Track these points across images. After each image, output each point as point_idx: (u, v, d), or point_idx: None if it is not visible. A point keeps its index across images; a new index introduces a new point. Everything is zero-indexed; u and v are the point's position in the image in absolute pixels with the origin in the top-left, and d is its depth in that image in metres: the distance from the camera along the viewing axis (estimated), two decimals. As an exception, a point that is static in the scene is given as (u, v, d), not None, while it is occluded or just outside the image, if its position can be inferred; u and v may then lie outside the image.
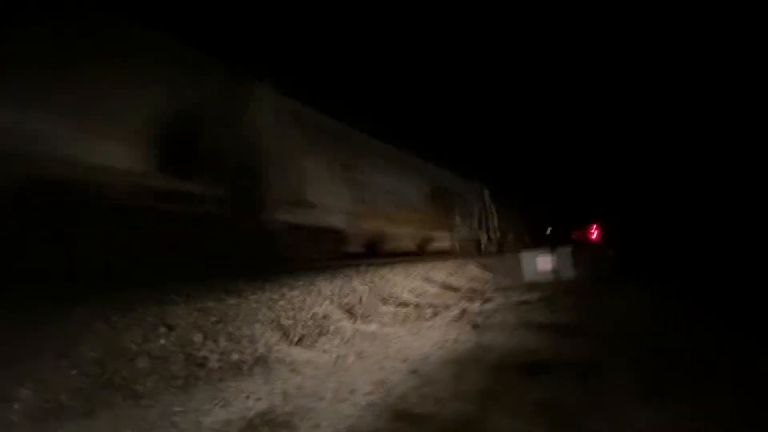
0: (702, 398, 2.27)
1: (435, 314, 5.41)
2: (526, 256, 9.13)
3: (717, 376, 2.66)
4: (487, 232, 15.53)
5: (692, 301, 5.07)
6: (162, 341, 3.54)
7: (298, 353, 3.87)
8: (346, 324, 4.91)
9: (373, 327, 4.76)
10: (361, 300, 6.00)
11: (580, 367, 2.93)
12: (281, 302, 5.05)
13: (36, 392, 2.66)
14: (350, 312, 5.36)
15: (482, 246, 14.36)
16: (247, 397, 2.86)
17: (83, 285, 3.83)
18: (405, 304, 6.16)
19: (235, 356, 3.68)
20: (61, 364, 2.92)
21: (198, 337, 3.77)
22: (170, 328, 3.75)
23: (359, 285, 6.60)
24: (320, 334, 4.48)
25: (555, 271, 8.70)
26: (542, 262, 8.90)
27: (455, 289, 8.03)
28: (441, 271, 9.23)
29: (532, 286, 7.91)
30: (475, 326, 4.41)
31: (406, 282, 7.63)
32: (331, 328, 4.74)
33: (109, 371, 3.03)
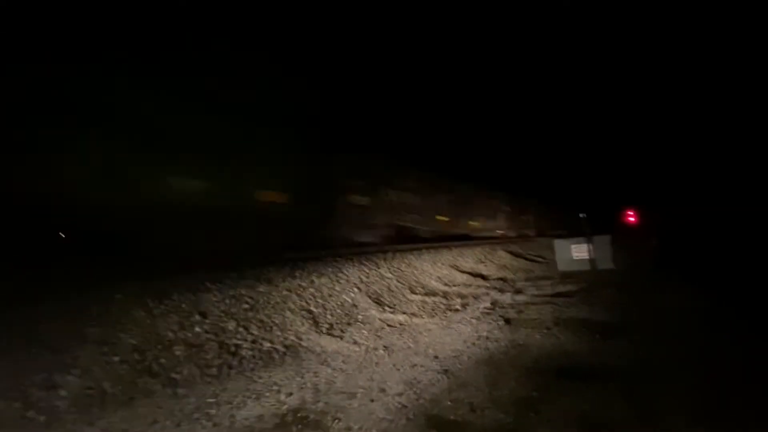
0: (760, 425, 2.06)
1: (464, 305, 5.28)
2: (559, 244, 8.75)
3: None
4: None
5: (745, 299, 4.67)
6: (197, 329, 3.62)
7: (327, 343, 3.87)
8: (374, 313, 4.88)
9: (401, 317, 4.70)
10: (389, 288, 5.95)
11: (624, 375, 2.75)
12: (310, 290, 5.07)
13: (81, 379, 2.77)
14: (378, 301, 5.33)
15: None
16: (279, 391, 2.87)
17: (121, 273, 3.97)
18: (433, 293, 6.07)
19: (266, 344, 3.72)
20: (103, 351, 3.03)
21: (231, 325, 3.83)
22: (204, 315, 3.84)
23: (386, 272, 6.55)
24: (349, 323, 4.47)
25: (591, 260, 8.30)
26: (577, 251, 8.50)
27: (485, 278, 7.85)
28: (469, 258, 9.05)
29: (567, 277, 7.60)
30: (508, 321, 4.26)
31: (433, 269, 7.52)
32: (360, 316, 4.72)
33: (148, 359, 3.13)
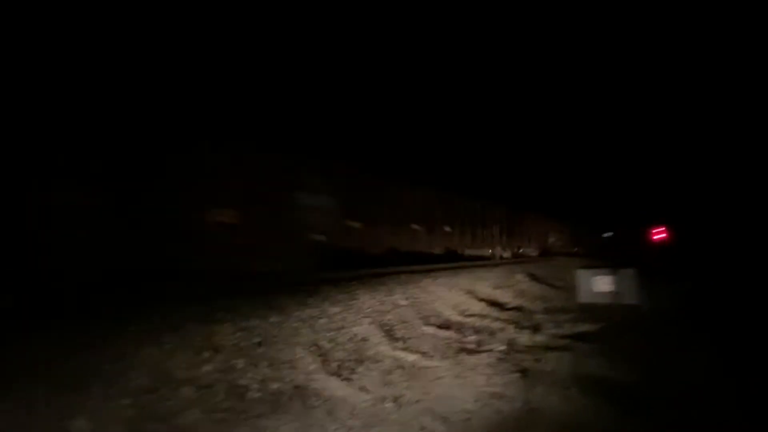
0: None
1: (479, 345, 5.13)
2: (582, 274, 8.44)
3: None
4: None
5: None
6: (207, 367, 3.61)
7: (335, 387, 3.80)
8: (386, 349, 4.79)
9: (412, 357, 4.59)
10: (401, 319, 5.85)
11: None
12: (322, 320, 5.03)
13: (89, 423, 2.79)
14: (390, 333, 5.23)
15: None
16: (283, 449, 2.82)
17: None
18: (447, 326, 5.93)
19: (274, 385, 3.69)
20: (112, 393, 3.05)
21: (240, 363, 3.82)
22: (216, 350, 3.83)
23: (401, 299, 6.45)
24: (358, 361, 4.39)
25: (614, 293, 7.97)
26: (600, 283, 8.17)
27: (501, 306, 7.64)
28: (486, 283, 8.84)
29: (587, 311, 7.31)
30: (524, 373, 4.09)
31: (449, 295, 7.37)
32: (371, 352, 4.64)
33: (156, 401, 3.13)
